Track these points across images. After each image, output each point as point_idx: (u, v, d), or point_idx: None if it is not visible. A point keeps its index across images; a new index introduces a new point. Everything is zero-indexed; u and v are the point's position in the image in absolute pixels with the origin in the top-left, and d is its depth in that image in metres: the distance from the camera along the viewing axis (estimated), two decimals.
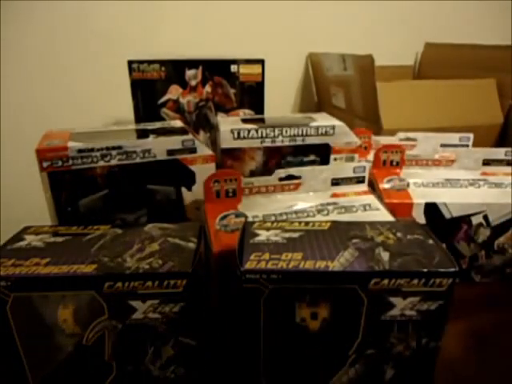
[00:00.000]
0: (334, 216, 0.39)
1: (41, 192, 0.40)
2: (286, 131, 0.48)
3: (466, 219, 0.43)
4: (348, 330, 0.28)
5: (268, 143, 0.48)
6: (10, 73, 0.72)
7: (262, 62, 0.60)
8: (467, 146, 0.58)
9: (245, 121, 0.51)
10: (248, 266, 0.27)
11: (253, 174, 0.50)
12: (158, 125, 0.50)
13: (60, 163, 0.39)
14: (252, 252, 0.28)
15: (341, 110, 0.75)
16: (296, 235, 0.31)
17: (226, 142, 0.47)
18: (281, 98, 0.88)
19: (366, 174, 0.44)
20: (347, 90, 0.71)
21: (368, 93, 0.63)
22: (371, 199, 0.42)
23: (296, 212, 0.40)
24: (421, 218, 0.42)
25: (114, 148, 0.41)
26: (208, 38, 0.79)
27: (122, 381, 0.29)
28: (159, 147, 0.42)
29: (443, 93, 0.67)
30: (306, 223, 0.33)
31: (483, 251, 0.44)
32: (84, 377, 0.29)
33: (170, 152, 0.43)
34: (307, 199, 0.42)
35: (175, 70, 0.58)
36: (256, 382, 0.30)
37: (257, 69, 0.60)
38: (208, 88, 0.60)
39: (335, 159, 0.51)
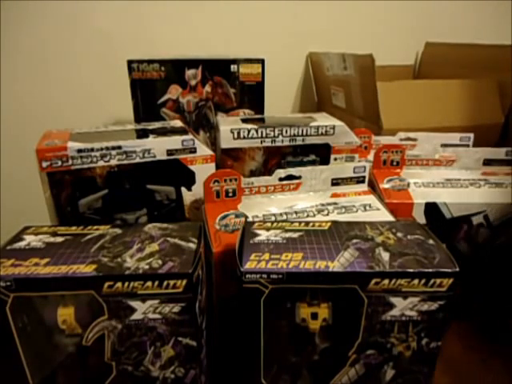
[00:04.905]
0: (334, 216, 0.39)
1: (41, 192, 0.40)
2: (286, 131, 0.48)
3: (466, 219, 0.43)
4: (348, 330, 0.28)
5: (268, 143, 0.48)
6: (10, 73, 0.72)
7: (262, 61, 0.60)
8: (468, 145, 0.58)
9: (245, 121, 0.51)
10: (248, 266, 0.27)
11: (253, 173, 0.49)
12: (157, 125, 0.49)
13: (60, 163, 0.39)
14: (252, 252, 0.28)
15: (341, 110, 0.75)
16: (296, 235, 0.31)
17: (226, 141, 0.47)
18: (281, 98, 0.88)
19: (366, 174, 0.44)
20: (347, 89, 0.71)
21: (368, 93, 0.62)
22: (371, 199, 0.42)
23: (296, 212, 0.39)
24: (421, 218, 0.42)
25: (113, 148, 0.41)
26: (208, 37, 0.79)
27: (122, 381, 0.29)
28: (159, 147, 0.42)
29: (443, 93, 0.67)
30: (306, 223, 0.32)
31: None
32: (84, 377, 0.28)
33: (170, 152, 0.43)
34: (307, 199, 0.42)
35: (175, 69, 0.58)
36: (256, 382, 0.29)
37: (257, 68, 0.60)
38: (208, 88, 0.60)
39: (335, 159, 0.51)
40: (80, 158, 0.40)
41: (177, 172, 0.44)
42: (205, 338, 0.31)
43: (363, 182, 0.44)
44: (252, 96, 0.62)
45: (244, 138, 0.47)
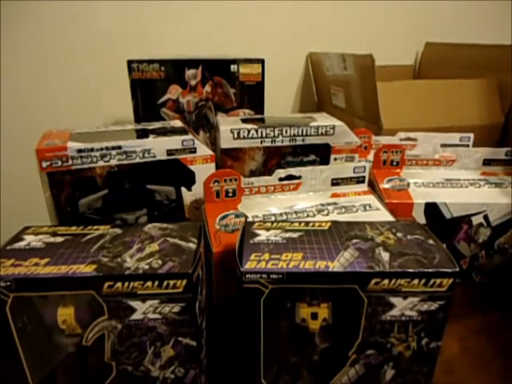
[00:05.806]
0: (334, 216, 0.39)
1: (41, 192, 0.40)
2: (286, 131, 0.48)
3: (466, 219, 0.43)
4: (348, 330, 0.28)
5: (268, 143, 0.48)
6: (10, 73, 0.72)
7: (262, 61, 0.60)
8: (467, 145, 0.58)
9: (245, 121, 0.51)
10: (248, 266, 0.27)
11: (253, 173, 0.49)
12: (157, 125, 0.49)
13: (59, 163, 0.39)
14: (252, 252, 0.28)
15: (341, 110, 0.75)
16: (296, 235, 0.31)
17: (226, 141, 0.47)
18: (281, 98, 0.88)
19: (366, 174, 0.44)
20: (347, 89, 0.71)
21: (368, 93, 0.62)
22: (371, 199, 0.42)
23: (296, 212, 0.39)
24: (421, 218, 0.42)
25: (113, 148, 0.41)
26: (208, 37, 0.79)
27: (122, 381, 0.29)
28: (159, 147, 0.42)
29: (443, 93, 0.67)
30: (306, 223, 0.32)
31: (483, 251, 0.44)
32: (84, 377, 0.28)
33: (170, 152, 0.43)
34: (307, 199, 0.42)
35: (175, 69, 0.58)
36: (256, 382, 0.29)
37: (257, 68, 0.60)
38: (208, 88, 0.60)
39: (335, 159, 0.51)
40: (80, 158, 0.40)
41: (177, 172, 0.44)
42: (205, 338, 0.31)
43: (363, 182, 0.44)
44: (252, 96, 0.62)
45: (244, 138, 0.47)
